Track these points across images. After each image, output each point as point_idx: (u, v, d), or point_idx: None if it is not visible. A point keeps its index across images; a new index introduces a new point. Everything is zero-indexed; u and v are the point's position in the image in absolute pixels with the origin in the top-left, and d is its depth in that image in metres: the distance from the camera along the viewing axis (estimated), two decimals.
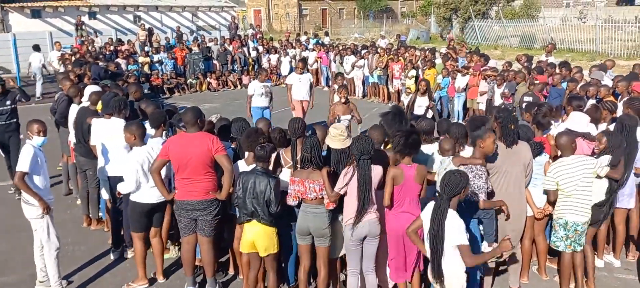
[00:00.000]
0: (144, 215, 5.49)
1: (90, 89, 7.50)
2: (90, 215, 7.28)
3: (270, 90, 10.80)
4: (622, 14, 25.00)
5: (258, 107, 10.58)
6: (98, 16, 28.10)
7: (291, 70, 20.01)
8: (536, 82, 9.71)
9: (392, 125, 5.55)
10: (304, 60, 13.45)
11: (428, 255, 4.27)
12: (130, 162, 5.33)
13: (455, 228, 4.02)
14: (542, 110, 6.32)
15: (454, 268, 4.11)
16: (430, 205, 4.25)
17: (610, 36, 20.03)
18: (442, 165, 5.02)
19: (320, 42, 22.68)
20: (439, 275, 4.12)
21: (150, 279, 5.76)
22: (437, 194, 4.33)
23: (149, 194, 5.39)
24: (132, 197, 5.42)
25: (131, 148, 5.46)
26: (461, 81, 12.88)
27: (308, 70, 12.08)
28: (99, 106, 6.79)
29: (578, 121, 5.92)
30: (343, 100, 8.73)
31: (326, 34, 26.47)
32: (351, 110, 8.81)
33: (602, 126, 6.42)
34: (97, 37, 22.42)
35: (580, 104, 6.93)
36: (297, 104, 11.41)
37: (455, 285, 4.16)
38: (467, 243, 4.06)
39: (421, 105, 10.21)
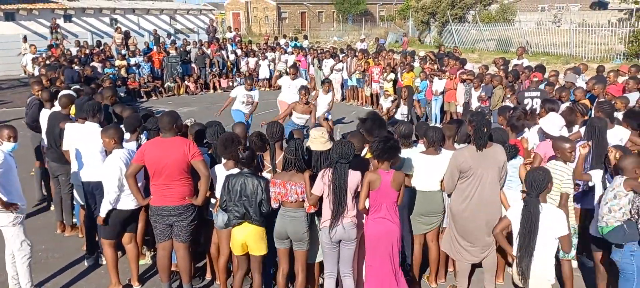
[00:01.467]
0: (120, 223, 5.40)
1: (63, 93, 7.38)
2: (64, 221, 7.15)
3: (253, 100, 10.77)
4: (595, 18, 25.51)
5: (238, 111, 10.60)
6: (74, 19, 27.62)
7: (271, 74, 20.03)
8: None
9: (371, 131, 5.56)
10: (296, 66, 13.41)
11: (514, 254, 4.54)
12: (111, 166, 5.21)
13: (555, 220, 4.38)
14: (516, 113, 6.41)
15: (543, 266, 4.39)
16: (517, 204, 4.59)
17: (584, 40, 20.39)
18: None
19: (299, 45, 22.69)
20: (526, 276, 4.38)
21: (125, 285, 5.68)
22: (524, 194, 4.66)
23: (128, 200, 5.30)
24: (119, 204, 5.32)
25: (109, 153, 5.35)
26: (438, 85, 12.99)
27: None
28: (73, 110, 6.68)
29: (552, 122, 6.00)
30: (304, 101, 9.11)
31: (305, 37, 26.49)
32: (310, 112, 9.18)
33: (575, 128, 6.53)
34: (63, 40, 22.02)
35: (553, 107, 7.03)
36: (283, 106, 11.41)
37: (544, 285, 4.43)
38: (568, 232, 4.43)
39: (404, 114, 10.33)
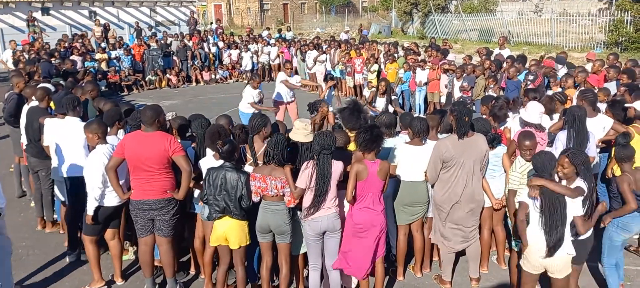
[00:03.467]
0: (104, 219, 5.33)
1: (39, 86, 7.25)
2: (45, 218, 7.05)
3: (263, 96, 10.62)
4: (576, 7, 25.71)
5: (245, 113, 10.22)
6: (51, 12, 27.19)
7: (253, 66, 19.90)
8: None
9: (350, 120, 5.57)
10: (291, 62, 13.28)
11: (526, 243, 4.45)
12: (93, 162, 5.11)
13: (570, 200, 4.29)
14: (498, 103, 6.45)
15: (565, 245, 4.34)
16: (525, 190, 4.50)
17: (565, 29, 20.62)
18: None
19: (282, 37, 22.58)
20: (557, 248, 4.31)
21: (108, 281, 5.62)
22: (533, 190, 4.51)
23: (111, 197, 5.22)
24: (105, 201, 5.24)
25: (92, 148, 5.25)
26: (421, 75, 13.02)
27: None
28: (53, 105, 6.56)
29: (532, 110, 6.05)
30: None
31: (288, 29, 26.38)
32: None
33: (555, 117, 6.59)
34: (41, 33, 21.61)
35: (536, 96, 7.09)
36: (280, 106, 11.31)
37: (565, 263, 4.42)
38: (582, 212, 4.39)
39: (379, 106, 10.29)
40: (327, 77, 12.42)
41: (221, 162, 4.90)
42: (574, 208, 4.34)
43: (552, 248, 4.29)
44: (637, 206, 4.87)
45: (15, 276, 5.46)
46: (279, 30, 25.46)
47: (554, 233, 4.26)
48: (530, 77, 9.77)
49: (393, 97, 10.52)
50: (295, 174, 4.72)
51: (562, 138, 5.76)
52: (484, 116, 6.38)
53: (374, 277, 5.08)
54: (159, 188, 4.97)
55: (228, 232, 4.86)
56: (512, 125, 6.43)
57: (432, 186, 5.32)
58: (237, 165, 4.93)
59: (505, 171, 5.42)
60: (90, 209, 5.16)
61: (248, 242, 4.98)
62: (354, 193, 4.71)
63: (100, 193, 5.13)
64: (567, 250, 4.36)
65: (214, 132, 5.03)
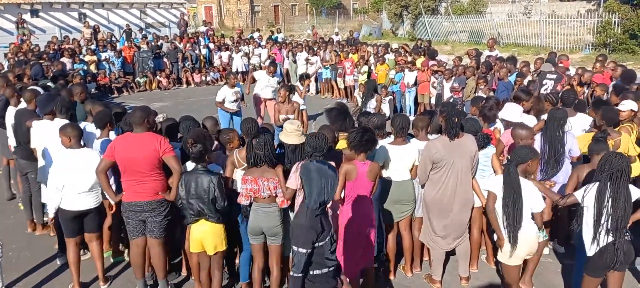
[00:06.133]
0: (71, 221, 5.30)
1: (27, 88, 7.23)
2: (35, 220, 7.01)
3: (241, 94, 10.68)
4: (564, 9, 25.92)
5: (227, 113, 10.42)
6: (41, 14, 26.97)
7: (245, 68, 19.88)
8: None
9: (335, 121, 5.62)
10: (274, 63, 13.33)
11: (502, 231, 4.61)
12: (54, 167, 5.13)
13: (531, 195, 4.51)
14: (488, 104, 6.50)
15: (528, 232, 4.53)
16: (498, 178, 4.68)
17: (553, 31, 20.80)
18: None
19: (274, 38, 22.59)
20: (515, 242, 4.52)
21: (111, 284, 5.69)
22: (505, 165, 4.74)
23: (75, 201, 5.19)
24: (61, 204, 5.23)
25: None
26: (410, 77, 13.09)
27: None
28: None
29: (511, 111, 6.13)
30: (282, 100, 8.96)
31: (278, 30, 26.39)
32: (294, 110, 8.95)
33: (545, 116, 6.65)
34: (30, 36, 21.46)
35: (519, 96, 7.17)
36: (258, 101, 11.50)
37: (531, 245, 4.64)
38: (542, 208, 4.60)
39: (370, 107, 10.38)
40: (303, 76, 12.46)
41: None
42: (534, 204, 4.56)
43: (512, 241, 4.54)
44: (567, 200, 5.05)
45: (6, 278, 5.44)
46: (271, 33, 25.42)
47: (517, 225, 4.49)
48: (553, 77, 9.87)
49: (382, 98, 10.61)
50: (285, 175, 4.73)
51: (538, 138, 5.82)
52: (475, 116, 6.43)
53: (364, 278, 5.11)
54: (150, 190, 4.96)
55: (203, 237, 4.85)
56: (500, 126, 6.49)
57: (423, 187, 5.36)
58: (207, 168, 4.88)
59: (494, 171, 5.47)
60: (50, 212, 5.27)
61: (224, 247, 4.97)
62: (343, 193, 4.73)
63: (56, 197, 5.14)
64: (534, 232, 4.62)
65: (197, 135, 5.04)
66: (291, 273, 3.74)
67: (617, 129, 6.03)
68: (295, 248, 3.67)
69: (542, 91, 9.20)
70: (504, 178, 4.54)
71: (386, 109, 11.94)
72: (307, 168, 3.70)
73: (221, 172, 5.10)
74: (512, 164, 4.55)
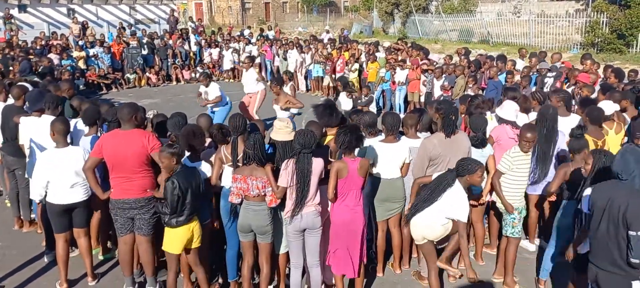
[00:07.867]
0: (59, 216, 5.28)
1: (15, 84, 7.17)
2: (22, 217, 6.96)
3: (209, 95, 10.79)
4: (554, 8, 26.05)
5: (213, 112, 10.58)
6: (29, 9, 26.74)
7: (235, 65, 19.82)
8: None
9: (322, 117, 5.62)
10: (251, 57, 13.39)
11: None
12: (39, 162, 5.10)
13: (457, 203, 4.61)
14: (475, 102, 6.54)
15: (428, 225, 4.74)
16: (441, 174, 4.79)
17: (542, 30, 20.91)
18: None
19: (264, 35, 22.52)
20: (407, 221, 4.85)
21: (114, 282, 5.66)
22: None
23: (62, 195, 5.18)
24: (48, 198, 5.22)
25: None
26: (400, 75, 13.13)
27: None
28: None
29: (508, 108, 6.18)
30: (276, 93, 9.07)
31: (269, 28, 26.31)
32: (288, 100, 9.09)
33: (532, 115, 6.70)
34: (18, 31, 21.22)
35: (515, 95, 7.21)
36: (245, 98, 11.63)
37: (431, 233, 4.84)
38: (465, 221, 4.69)
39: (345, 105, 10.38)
40: (287, 72, 12.64)
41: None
42: (456, 212, 4.67)
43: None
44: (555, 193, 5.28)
45: None
46: (261, 30, 25.31)
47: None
48: (553, 74, 9.94)
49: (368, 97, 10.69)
50: (275, 174, 4.73)
51: None
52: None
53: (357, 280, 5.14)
54: (138, 187, 4.94)
55: (190, 236, 4.83)
56: (490, 124, 6.53)
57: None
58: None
59: (487, 171, 5.46)
60: (36, 197, 5.28)
61: (198, 245, 4.94)
62: (335, 191, 4.75)
63: (42, 192, 5.15)
64: (423, 233, 4.89)
65: (189, 132, 5.02)
66: None
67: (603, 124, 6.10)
68: None
69: (545, 89, 9.24)
70: (439, 177, 4.75)
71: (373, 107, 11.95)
72: None
73: (200, 167, 5.14)
74: (452, 174, 4.67)
